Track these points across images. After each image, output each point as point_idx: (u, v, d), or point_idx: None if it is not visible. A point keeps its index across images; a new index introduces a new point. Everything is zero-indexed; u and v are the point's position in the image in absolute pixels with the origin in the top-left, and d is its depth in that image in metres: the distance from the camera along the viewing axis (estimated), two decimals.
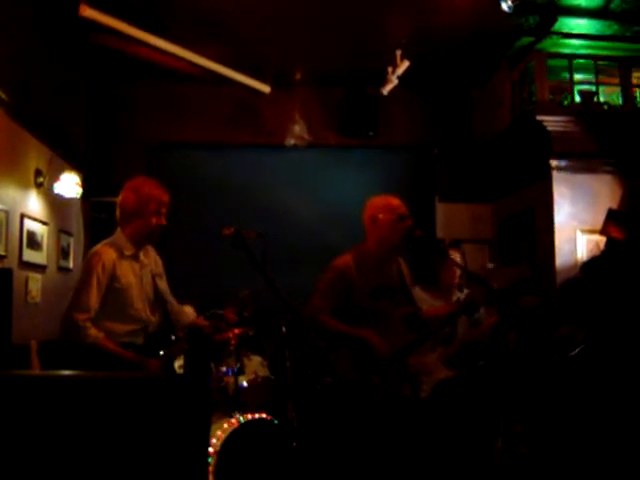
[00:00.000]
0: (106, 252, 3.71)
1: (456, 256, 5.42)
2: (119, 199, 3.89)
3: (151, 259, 3.96)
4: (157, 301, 3.87)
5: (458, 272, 5.40)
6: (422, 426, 4.26)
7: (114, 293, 3.66)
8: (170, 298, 4.02)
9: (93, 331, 3.52)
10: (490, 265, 8.36)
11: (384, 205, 4.01)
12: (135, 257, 3.81)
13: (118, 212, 3.88)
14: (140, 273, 3.81)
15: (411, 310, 4.04)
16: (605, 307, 5.22)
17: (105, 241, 3.83)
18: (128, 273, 3.73)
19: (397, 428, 3.81)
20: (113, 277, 3.65)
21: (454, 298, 5.44)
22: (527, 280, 7.20)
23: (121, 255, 3.73)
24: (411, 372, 4.03)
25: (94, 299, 3.58)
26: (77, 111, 8.05)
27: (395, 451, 3.78)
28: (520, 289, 6.90)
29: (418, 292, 5.44)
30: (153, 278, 3.90)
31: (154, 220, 3.78)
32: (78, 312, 3.53)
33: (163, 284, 3.97)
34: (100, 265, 3.62)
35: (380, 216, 3.96)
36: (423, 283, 5.46)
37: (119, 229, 3.86)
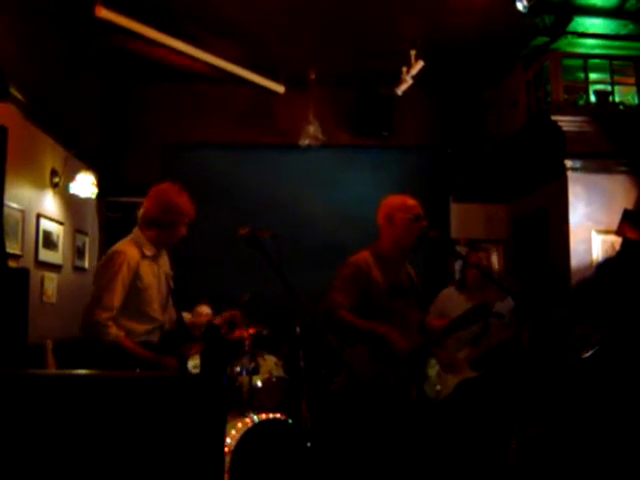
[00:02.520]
0: (130, 251, 3.72)
1: (482, 258, 5.42)
2: (148, 203, 3.87)
3: (165, 260, 3.99)
4: (167, 300, 3.89)
5: (483, 268, 5.41)
6: (436, 426, 4.27)
7: (135, 292, 3.67)
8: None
9: (114, 330, 3.53)
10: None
11: (400, 204, 3.98)
12: (154, 258, 3.83)
13: (143, 214, 3.87)
14: (158, 274, 3.84)
15: (421, 314, 4.03)
16: (620, 308, 5.19)
17: (127, 240, 3.84)
18: (148, 273, 3.75)
19: (409, 429, 3.80)
20: (136, 276, 3.67)
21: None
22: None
23: (143, 255, 3.76)
24: (423, 373, 4.01)
25: (118, 298, 3.59)
26: (92, 111, 8.09)
27: (409, 451, 3.78)
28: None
29: (453, 293, 5.47)
30: (167, 279, 3.93)
31: (182, 231, 3.85)
32: (101, 310, 3.54)
33: (171, 284, 3.98)
34: (125, 264, 3.64)
35: (396, 215, 3.93)
36: (457, 285, 5.49)
37: (138, 229, 3.87)
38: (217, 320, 4.22)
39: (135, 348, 3.57)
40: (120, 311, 3.62)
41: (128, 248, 3.74)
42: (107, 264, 3.70)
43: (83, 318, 3.58)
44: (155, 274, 3.81)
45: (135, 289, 3.67)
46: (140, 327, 3.68)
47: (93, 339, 3.58)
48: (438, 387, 4.96)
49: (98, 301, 3.56)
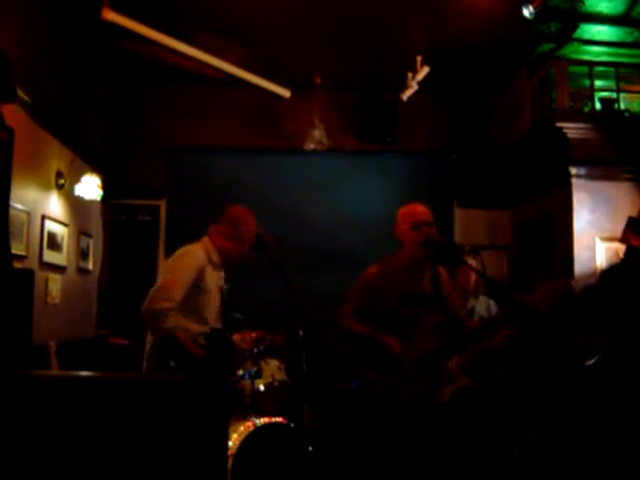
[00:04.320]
0: (199, 254, 4.00)
1: (472, 262, 5.41)
2: (221, 219, 4.19)
3: (223, 275, 4.23)
4: (221, 308, 4.13)
5: (473, 278, 5.40)
6: (441, 432, 4.26)
7: (196, 293, 3.89)
8: None
9: (173, 319, 3.73)
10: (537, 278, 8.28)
11: (402, 213, 4.02)
12: (217, 267, 4.07)
13: (215, 227, 4.17)
14: (218, 283, 4.07)
15: (444, 318, 4.02)
16: (624, 315, 5.19)
17: (197, 244, 4.10)
18: (211, 279, 3.98)
19: (416, 434, 3.79)
20: (200, 277, 3.90)
21: (468, 305, 5.43)
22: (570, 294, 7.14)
23: (209, 261, 3.99)
24: (437, 379, 4.00)
25: (180, 293, 3.79)
26: (98, 114, 8.11)
27: (412, 456, 3.78)
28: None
29: None
30: (222, 291, 4.17)
31: (246, 247, 4.07)
32: (164, 300, 3.74)
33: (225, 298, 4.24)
34: (194, 264, 3.90)
35: (398, 225, 4.00)
36: None
37: (208, 238, 4.12)
38: (245, 345, 4.46)
39: (187, 341, 3.75)
40: (180, 308, 3.82)
41: (197, 251, 4.02)
42: (177, 261, 3.99)
43: (146, 305, 3.77)
44: (215, 281, 4.04)
45: (197, 289, 3.89)
46: (194, 327, 3.86)
47: (151, 325, 3.82)
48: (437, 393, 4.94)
49: (164, 291, 3.78)
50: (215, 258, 4.04)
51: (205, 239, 4.12)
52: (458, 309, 4.27)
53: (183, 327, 3.79)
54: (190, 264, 3.88)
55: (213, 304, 4.00)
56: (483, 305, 5.58)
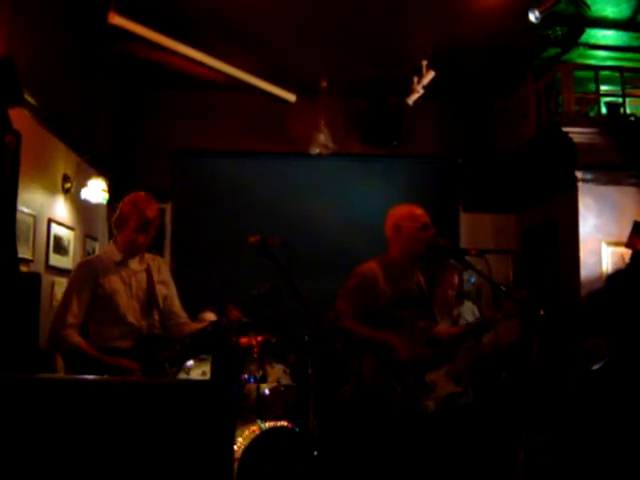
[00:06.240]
0: (87, 263, 3.93)
1: (455, 277, 5.40)
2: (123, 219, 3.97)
3: (153, 266, 4.00)
4: (151, 305, 3.91)
5: (454, 288, 5.38)
6: (442, 438, 4.26)
7: (100, 299, 3.76)
8: (176, 308, 4.04)
9: (73, 338, 3.65)
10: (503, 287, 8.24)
11: (407, 214, 3.98)
12: (122, 264, 3.87)
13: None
14: (129, 280, 3.87)
15: (430, 323, 4.01)
16: (630, 320, 5.18)
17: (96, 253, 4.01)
18: (113, 280, 3.81)
19: (417, 439, 3.79)
20: (95, 286, 3.75)
21: (455, 312, 5.42)
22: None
23: (107, 263, 3.84)
24: (428, 385, 3.99)
25: (74, 309, 3.70)
26: (104, 118, 8.13)
27: (415, 462, 3.77)
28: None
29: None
30: (150, 284, 3.94)
31: (133, 236, 3.83)
32: (57, 327, 3.69)
33: (166, 291, 4.01)
34: (79, 278, 3.79)
35: (403, 225, 3.93)
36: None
37: (112, 242, 3.99)
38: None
39: (92, 354, 3.62)
40: (90, 318, 3.76)
41: (86, 261, 4.00)
42: (67, 283, 3.95)
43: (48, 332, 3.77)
44: (124, 279, 3.86)
45: (99, 297, 3.76)
46: (111, 332, 3.74)
47: (54, 348, 3.87)
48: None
49: (56, 316, 3.74)
50: (115, 257, 3.86)
51: (110, 242, 4.04)
52: (436, 315, 4.26)
53: (97, 336, 3.72)
54: (74, 280, 3.82)
55: (127, 302, 3.81)
56: (469, 310, 5.60)
